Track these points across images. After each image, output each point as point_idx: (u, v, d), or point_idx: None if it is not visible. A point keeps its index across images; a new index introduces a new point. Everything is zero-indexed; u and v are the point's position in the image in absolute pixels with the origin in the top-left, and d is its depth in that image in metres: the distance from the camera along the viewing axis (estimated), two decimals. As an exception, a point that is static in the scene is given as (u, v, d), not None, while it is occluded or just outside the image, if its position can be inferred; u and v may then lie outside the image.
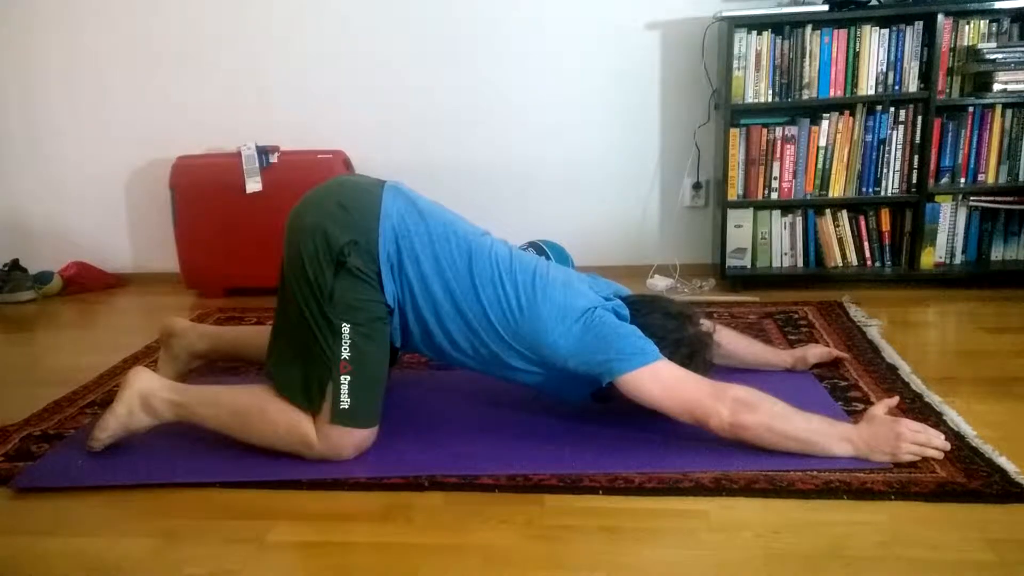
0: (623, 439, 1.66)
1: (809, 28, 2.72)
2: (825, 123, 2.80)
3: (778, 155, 2.83)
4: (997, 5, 2.63)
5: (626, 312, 1.69)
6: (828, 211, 2.89)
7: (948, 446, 1.52)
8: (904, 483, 1.44)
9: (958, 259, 2.85)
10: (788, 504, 1.41)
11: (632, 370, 1.54)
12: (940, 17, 2.63)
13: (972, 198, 2.80)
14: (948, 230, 2.83)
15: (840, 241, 2.90)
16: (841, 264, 2.91)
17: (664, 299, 1.80)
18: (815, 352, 2.01)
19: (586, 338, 1.58)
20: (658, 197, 3.16)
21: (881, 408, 1.56)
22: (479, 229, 1.73)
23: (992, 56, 2.61)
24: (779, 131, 2.82)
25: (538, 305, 1.60)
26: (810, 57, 2.74)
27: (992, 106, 2.71)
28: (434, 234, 1.62)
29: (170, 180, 3.07)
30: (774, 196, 2.86)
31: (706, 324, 1.78)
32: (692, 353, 1.66)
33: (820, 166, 2.83)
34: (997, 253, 2.84)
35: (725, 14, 2.72)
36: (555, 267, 1.72)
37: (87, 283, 3.31)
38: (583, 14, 3.03)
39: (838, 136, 2.80)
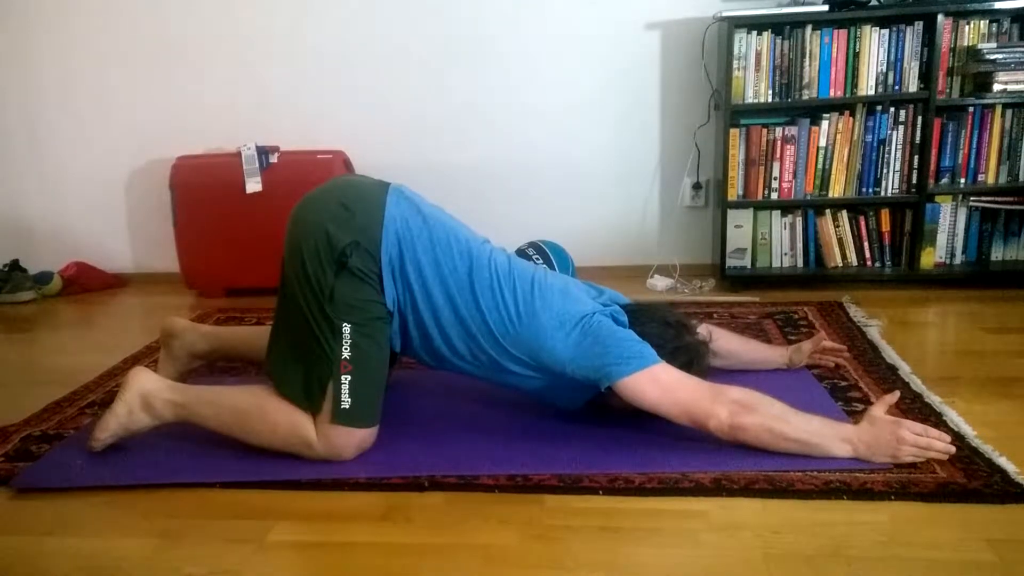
0: (623, 439, 1.66)
1: (809, 28, 2.72)
2: (825, 123, 2.80)
3: (778, 155, 2.83)
4: (997, 5, 2.63)
5: (624, 318, 1.69)
6: (828, 211, 2.89)
7: (953, 449, 1.50)
8: (904, 483, 1.44)
9: (958, 259, 2.85)
10: (788, 504, 1.41)
11: (630, 374, 1.54)
12: (940, 17, 2.63)
13: (972, 198, 2.80)
14: (948, 230, 2.83)
15: (840, 241, 2.90)
16: (841, 264, 2.91)
17: (662, 307, 1.80)
18: (808, 344, 2.00)
19: (584, 343, 1.59)
20: (658, 197, 3.17)
21: (881, 408, 1.55)
22: (480, 236, 1.73)
23: (992, 56, 2.61)
24: (779, 131, 2.82)
25: (536, 312, 1.60)
26: (810, 57, 2.74)
27: (992, 106, 2.71)
28: (436, 239, 1.62)
29: (170, 180, 3.07)
30: (774, 196, 2.86)
31: (703, 331, 1.78)
32: (690, 361, 1.66)
33: (820, 166, 2.83)
34: (997, 253, 2.85)
35: (725, 14, 2.72)
36: (553, 275, 1.73)
37: (87, 283, 3.31)
38: (583, 14, 3.03)
39: (838, 136, 2.80)
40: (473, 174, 3.17)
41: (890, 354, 2.10)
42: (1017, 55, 2.61)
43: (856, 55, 2.73)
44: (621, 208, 3.18)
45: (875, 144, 2.80)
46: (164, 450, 1.69)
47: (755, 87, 2.78)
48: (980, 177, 2.78)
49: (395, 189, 1.67)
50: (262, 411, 1.61)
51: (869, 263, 2.91)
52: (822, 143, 2.81)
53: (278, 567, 1.33)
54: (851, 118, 2.79)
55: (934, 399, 1.79)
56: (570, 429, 1.72)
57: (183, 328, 2.01)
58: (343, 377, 1.55)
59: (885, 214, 2.88)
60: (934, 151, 2.76)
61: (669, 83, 3.05)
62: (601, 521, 1.40)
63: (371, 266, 1.57)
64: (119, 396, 1.65)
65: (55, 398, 2.05)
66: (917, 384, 1.89)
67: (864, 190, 2.84)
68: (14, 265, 3.24)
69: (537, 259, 2.63)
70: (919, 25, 2.68)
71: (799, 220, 2.91)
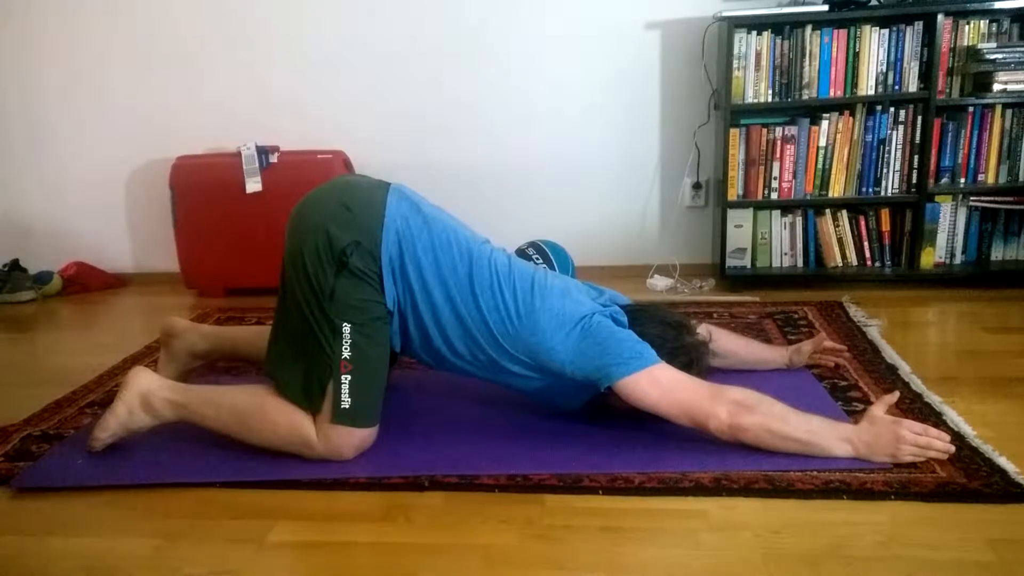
0: (623, 439, 1.66)
1: (809, 28, 2.72)
2: (825, 123, 2.80)
3: (778, 155, 2.83)
4: (997, 5, 2.62)
5: (624, 319, 1.69)
6: (828, 211, 2.89)
7: (952, 448, 1.50)
8: (904, 483, 1.44)
9: (958, 259, 2.85)
10: (788, 504, 1.42)
11: (630, 374, 1.54)
12: (940, 17, 2.63)
13: (972, 198, 2.80)
14: (948, 230, 2.83)
15: (840, 241, 2.90)
16: (841, 264, 2.91)
17: (662, 308, 1.80)
18: (808, 344, 2.01)
19: (584, 344, 1.59)
20: (658, 197, 3.17)
21: (881, 407, 1.55)
22: (480, 236, 1.73)
23: (992, 56, 2.61)
24: (779, 131, 2.82)
25: (536, 313, 1.61)
26: (810, 57, 2.74)
27: (992, 106, 2.71)
28: (436, 239, 1.62)
29: (170, 180, 3.07)
30: (774, 196, 2.86)
31: (703, 331, 1.78)
32: (690, 361, 1.66)
33: (820, 166, 2.83)
34: (997, 253, 2.84)
35: (725, 14, 2.72)
36: (553, 275, 1.73)
37: (87, 283, 3.31)
38: (583, 14, 3.03)
39: (838, 136, 2.80)
40: (473, 174, 3.17)
41: (890, 354, 2.10)
42: (1017, 55, 2.61)
43: (856, 55, 2.73)
44: (621, 208, 3.18)
45: (875, 144, 2.80)
46: (164, 450, 1.69)
47: (755, 87, 2.78)
48: (980, 177, 2.78)
49: (395, 189, 1.68)
50: (262, 411, 1.61)
51: (869, 263, 2.91)
52: (822, 143, 2.81)
53: (278, 567, 1.33)
54: (851, 118, 2.79)
55: (934, 399, 1.79)
56: (570, 429, 1.72)
57: (183, 328, 2.01)
58: (343, 377, 1.55)
59: (885, 214, 2.87)
60: (934, 151, 2.76)
61: (669, 83, 3.05)
62: (601, 521, 1.40)
63: (371, 266, 1.57)
64: (119, 396, 1.65)
65: (55, 398, 2.05)
66: (917, 384, 1.89)
67: (864, 190, 2.84)
68: (14, 265, 3.24)
69: (537, 259, 2.63)
70: (919, 25, 2.68)
71: (799, 220, 2.91)
